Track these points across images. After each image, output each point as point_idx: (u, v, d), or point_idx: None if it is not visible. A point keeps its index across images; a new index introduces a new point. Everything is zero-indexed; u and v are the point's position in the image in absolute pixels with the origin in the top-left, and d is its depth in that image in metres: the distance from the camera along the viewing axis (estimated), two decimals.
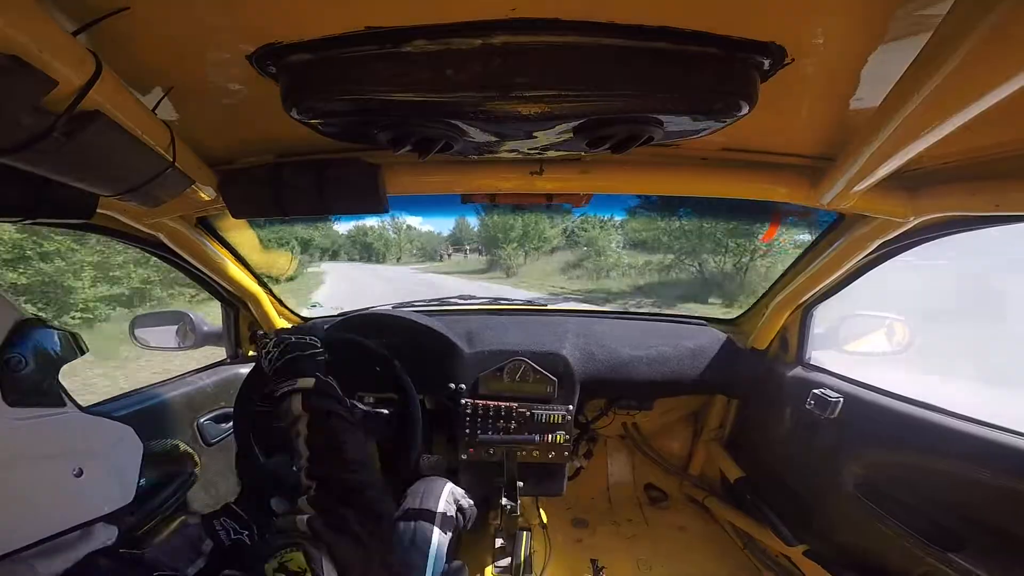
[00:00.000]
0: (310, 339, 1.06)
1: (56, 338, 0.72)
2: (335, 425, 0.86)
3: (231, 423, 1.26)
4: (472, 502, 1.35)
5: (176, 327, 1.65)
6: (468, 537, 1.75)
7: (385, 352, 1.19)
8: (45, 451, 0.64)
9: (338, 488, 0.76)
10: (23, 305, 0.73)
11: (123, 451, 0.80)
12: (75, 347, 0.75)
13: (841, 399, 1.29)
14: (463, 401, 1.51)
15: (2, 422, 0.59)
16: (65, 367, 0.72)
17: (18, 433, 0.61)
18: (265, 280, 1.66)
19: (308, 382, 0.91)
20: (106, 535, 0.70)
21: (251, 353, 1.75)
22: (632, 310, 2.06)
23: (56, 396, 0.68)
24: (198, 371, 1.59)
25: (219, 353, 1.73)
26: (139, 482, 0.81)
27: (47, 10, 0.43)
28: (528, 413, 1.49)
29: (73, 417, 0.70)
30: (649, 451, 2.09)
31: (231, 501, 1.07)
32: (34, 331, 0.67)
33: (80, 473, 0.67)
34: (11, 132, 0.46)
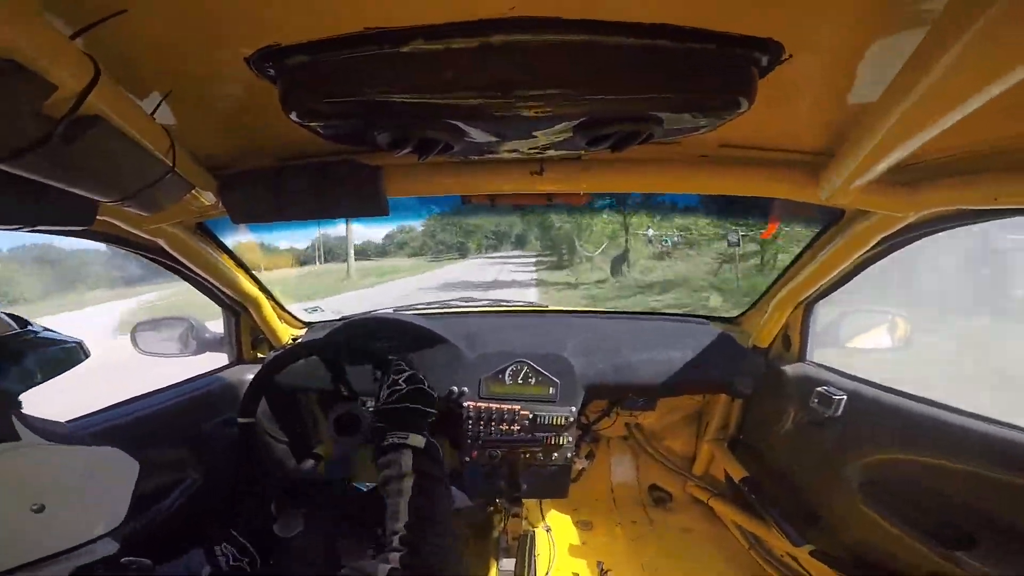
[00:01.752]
0: (430, 389, 1.06)
1: (18, 350, 0.64)
2: (437, 492, 0.87)
3: (236, 429, 1.25)
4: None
5: (178, 333, 1.65)
6: (472, 539, 1.75)
7: (388, 355, 1.19)
8: None
9: (432, 556, 0.77)
10: None
11: (104, 475, 0.72)
12: (55, 359, 0.68)
13: (845, 397, 1.29)
14: (465, 404, 1.50)
15: None
16: None
17: None
18: (266, 285, 1.66)
19: (419, 441, 0.91)
20: (106, 549, 0.68)
21: (259, 356, 1.75)
22: (633, 309, 2.06)
23: (5, 428, 0.61)
24: (201, 377, 1.59)
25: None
26: (134, 497, 0.74)
27: (45, 14, 0.43)
28: (531, 415, 1.49)
29: (28, 450, 0.62)
30: (653, 452, 2.08)
31: (232, 525, 1.06)
32: None
33: (41, 508, 0.61)
34: (10, 138, 0.46)
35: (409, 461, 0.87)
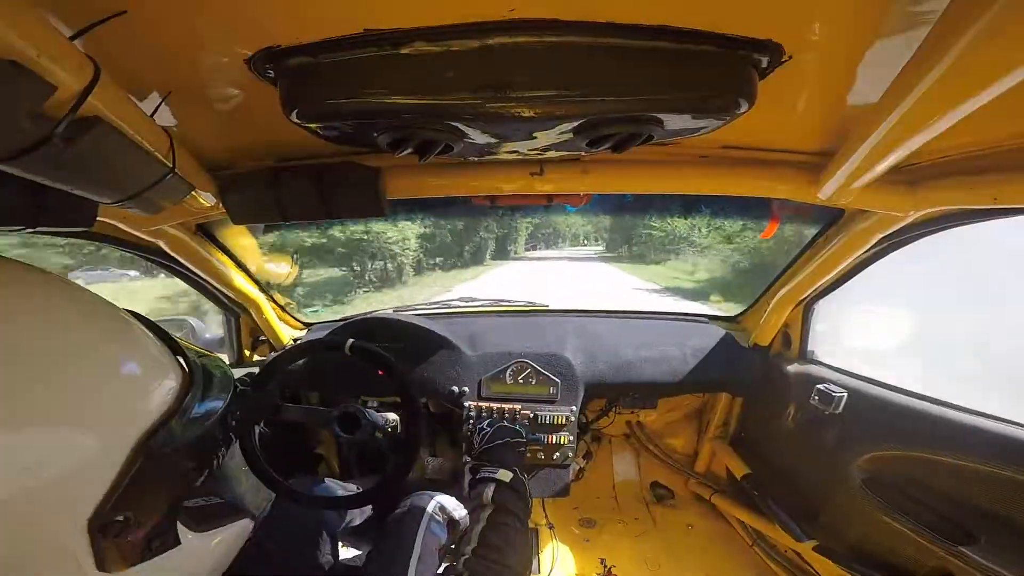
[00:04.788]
0: (519, 426, 1.18)
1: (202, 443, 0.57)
2: (511, 526, 0.90)
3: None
4: (466, 512, 1.33)
5: (178, 335, 1.65)
6: None
7: (388, 356, 1.19)
8: None
9: None
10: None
11: (219, 549, 0.67)
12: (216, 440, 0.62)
13: (845, 394, 1.29)
14: (466, 404, 1.51)
15: None
16: None
17: None
18: (265, 286, 1.66)
19: (507, 475, 0.97)
20: None
21: (256, 358, 1.75)
22: (634, 309, 2.06)
23: (172, 533, 0.54)
24: None
25: None
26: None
27: (44, 14, 0.43)
28: (531, 415, 1.49)
29: (186, 547, 0.56)
30: (654, 449, 2.09)
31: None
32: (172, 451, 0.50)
33: None
34: (11, 138, 0.46)
35: (491, 493, 0.93)
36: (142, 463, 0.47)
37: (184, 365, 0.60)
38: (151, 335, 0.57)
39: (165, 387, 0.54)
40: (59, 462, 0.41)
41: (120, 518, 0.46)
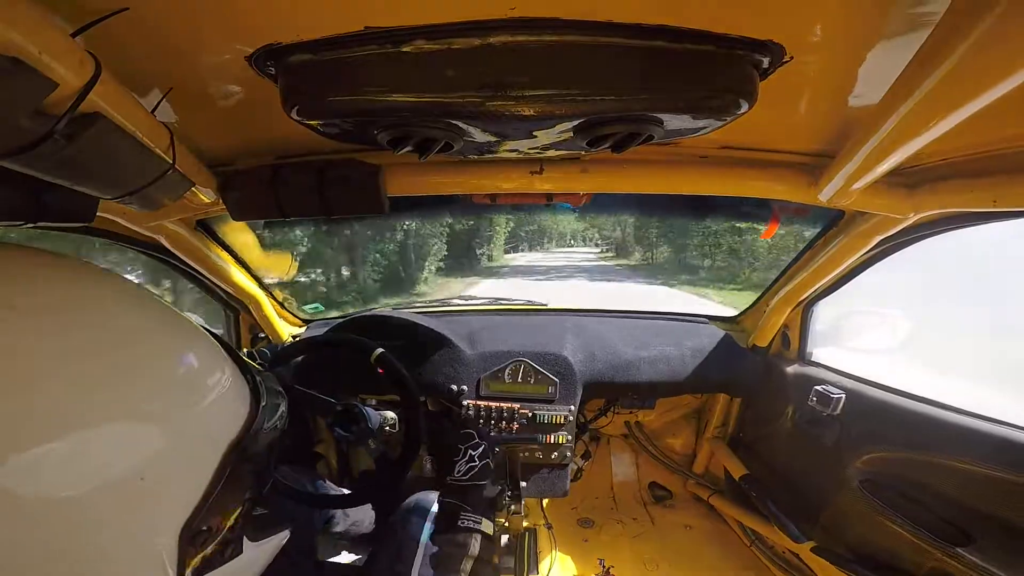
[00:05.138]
0: (504, 462, 1.16)
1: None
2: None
3: None
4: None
5: None
6: None
7: (388, 354, 1.20)
8: None
9: None
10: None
11: (261, 556, 0.66)
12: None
13: (843, 395, 1.30)
14: (465, 403, 1.51)
15: None
16: None
17: None
18: (265, 283, 1.66)
19: (490, 527, 0.97)
20: None
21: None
22: (633, 309, 2.06)
23: (240, 541, 0.55)
24: None
25: None
26: None
27: (46, 11, 0.43)
28: (530, 414, 1.49)
29: (243, 561, 0.56)
30: (653, 450, 2.09)
31: None
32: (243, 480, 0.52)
33: None
34: (12, 134, 0.46)
35: (477, 547, 0.94)
36: (229, 472, 0.49)
37: (250, 379, 0.62)
38: (223, 350, 0.59)
39: (244, 399, 0.56)
40: (159, 470, 0.43)
41: (205, 527, 0.47)
